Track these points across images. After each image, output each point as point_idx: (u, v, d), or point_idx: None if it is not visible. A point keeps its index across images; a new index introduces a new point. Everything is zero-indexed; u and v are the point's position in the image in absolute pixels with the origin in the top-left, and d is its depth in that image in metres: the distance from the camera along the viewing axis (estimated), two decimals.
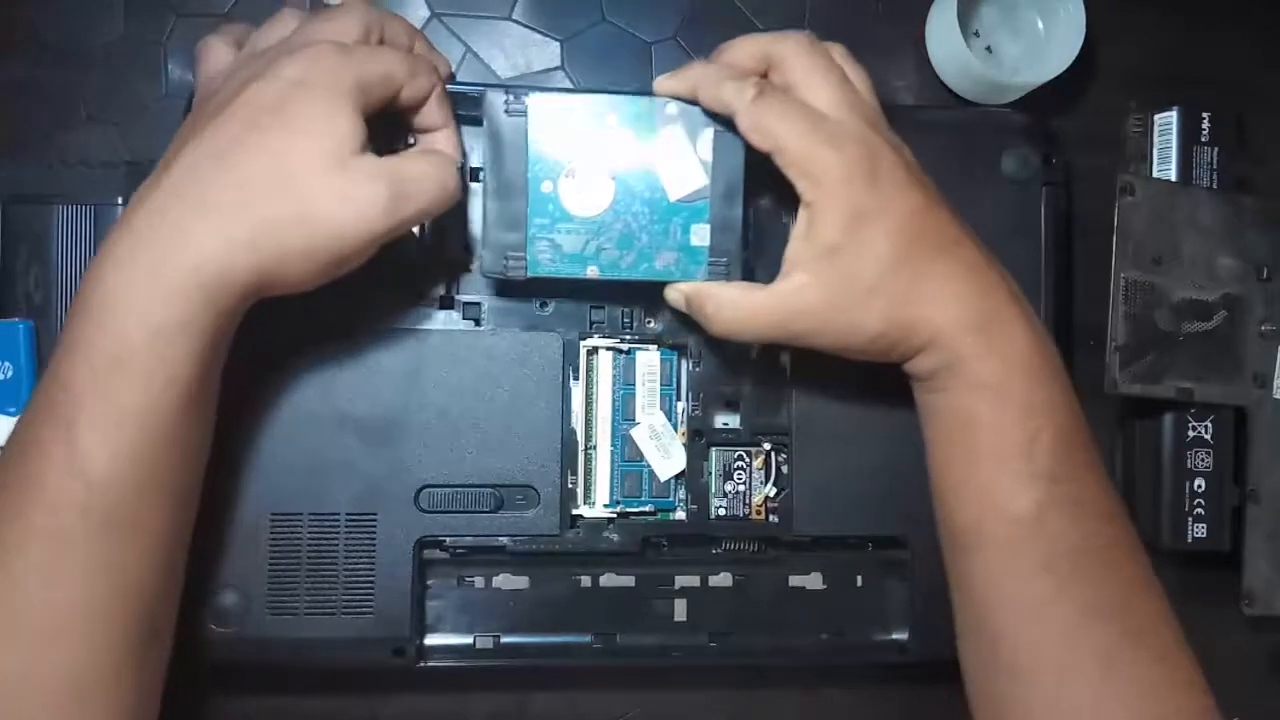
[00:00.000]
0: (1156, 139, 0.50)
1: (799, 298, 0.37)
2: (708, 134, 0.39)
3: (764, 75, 0.39)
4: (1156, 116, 0.50)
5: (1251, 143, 0.51)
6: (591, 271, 0.40)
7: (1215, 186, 0.49)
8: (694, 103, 0.39)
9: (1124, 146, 0.51)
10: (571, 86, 0.49)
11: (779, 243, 0.39)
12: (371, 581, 0.42)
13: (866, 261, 0.37)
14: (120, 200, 0.43)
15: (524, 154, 0.39)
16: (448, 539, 0.43)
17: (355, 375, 0.42)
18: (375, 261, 0.37)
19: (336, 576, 0.42)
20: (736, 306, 0.38)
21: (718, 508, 0.44)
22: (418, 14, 0.48)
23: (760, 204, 0.43)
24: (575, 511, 0.43)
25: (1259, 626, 0.50)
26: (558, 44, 0.49)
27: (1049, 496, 0.37)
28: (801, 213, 0.38)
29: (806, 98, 0.38)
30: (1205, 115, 0.50)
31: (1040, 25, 0.50)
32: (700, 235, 0.40)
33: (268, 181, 0.34)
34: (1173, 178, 0.49)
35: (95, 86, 0.46)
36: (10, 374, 0.42)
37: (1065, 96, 0.50)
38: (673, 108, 0.39)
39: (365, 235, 0.35)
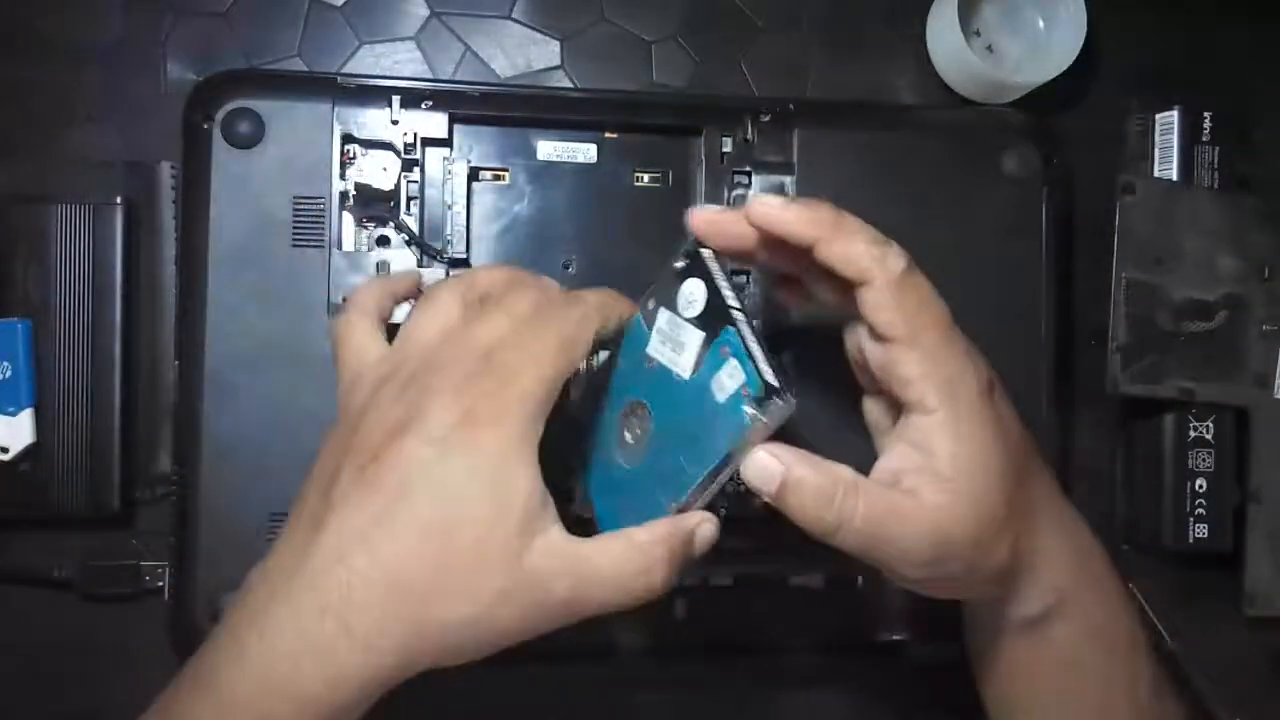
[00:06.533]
0: (1158, 138, 0.50)
1: (944, 525, 0.32)
2: (687, 285, 0.35)
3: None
4: (1158, 116, 0.50)
5: (1253, 142, 0.51)
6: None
7: (1216, 186, 0.49)
8: (796, 250, 0.34)
9: (1125, 146, 0.51)
10: (571, 86, 0.49)
11: None
12: None
13: (999, 487, 0.33)
14: (119, 200, 0.43)
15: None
16: None
17: None
18: None
19: None
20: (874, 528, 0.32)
21: (718, 508, 0.44)
22: (418, 13, 0.48)
23: None
24: (575, 512, 0.43)
25: (1260, 627, 0.50)
26: (558, 43, 0.49)
27: None
28: (920, 421, 0.33)
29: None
30: (1207, 115, 0.49)
31: (1041, 24, 0.50)
32: (721, 387, 0.33)
33: (432, 579, 0.29)
34: (1174, 177, 0.49)
35: (95, 86, 0.46)
36: (9, 374, 0.42)
37: (1066, 96, 0.50)
38: (652, 302, 0.36)
39: (530, 634, 0.31)
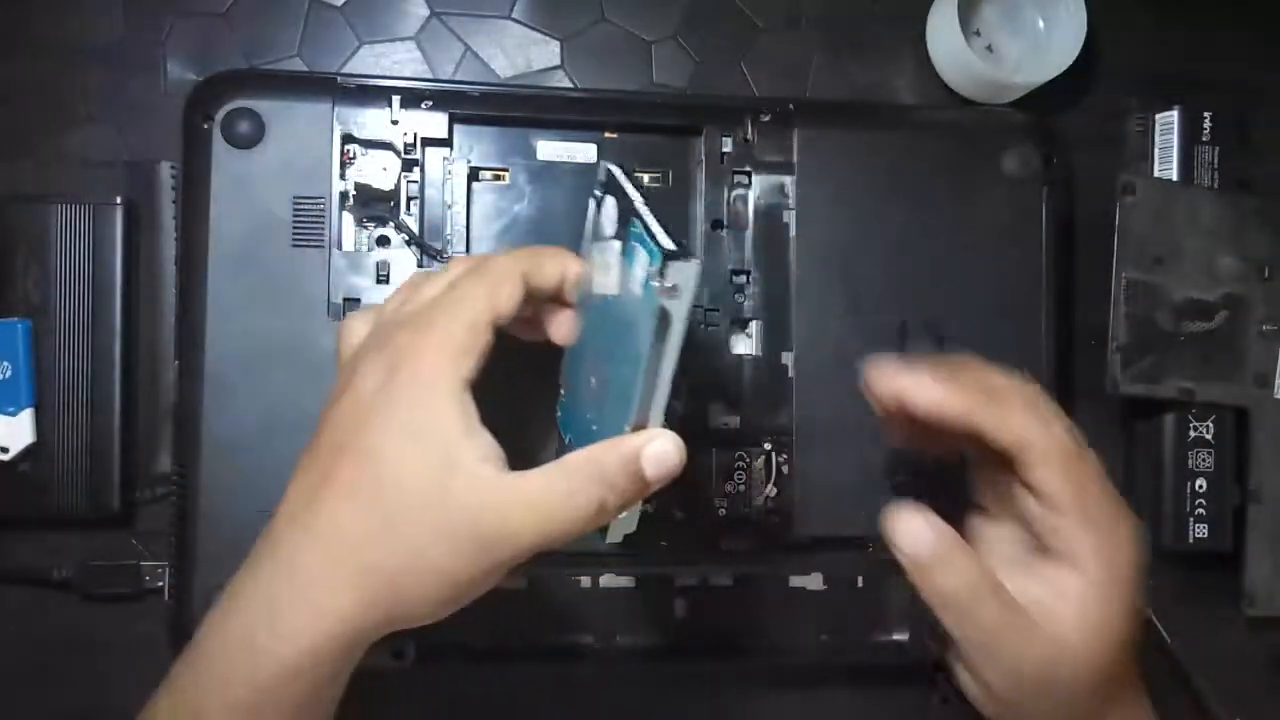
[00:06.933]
0: (1158, 138, 0.50)
1: (1059, 662, 0.33)
2: (605, 208, 0.34)
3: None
4: (1158, 116, 0.50)
5: (1253, 142, 0.51)
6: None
7: (1216, 186, 0.49)
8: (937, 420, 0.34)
9: (1125, 146, 0.51)
10: (571, 86, 0.49)
11: None
12: None
13: (1115, 656, 0.33)
14: (119, 200, 0.43)
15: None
16: None
17: None
18: None
19: None
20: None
21: (718, 508, 0.44)
22: (418, 13, 0.48)
23: None
24: None
25: (1260, 627, 0.50)
26: (558, 43, 0.49)
27: None
28: (1069, 575, 0.33)
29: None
30: (1206, 115, 0.49)
31: (1041, 24, 0.50)
32: (636, 280, 0.31)
33: (365, 528, 0.29)
34: (1174, 177, 0.49)
35: (95, 86, 0.46)
36: (9, 374, 0.42)
37: (1066, 96, 0.50)
38: (587, 245, 0.35)
39: (476, 578, 0.30)
